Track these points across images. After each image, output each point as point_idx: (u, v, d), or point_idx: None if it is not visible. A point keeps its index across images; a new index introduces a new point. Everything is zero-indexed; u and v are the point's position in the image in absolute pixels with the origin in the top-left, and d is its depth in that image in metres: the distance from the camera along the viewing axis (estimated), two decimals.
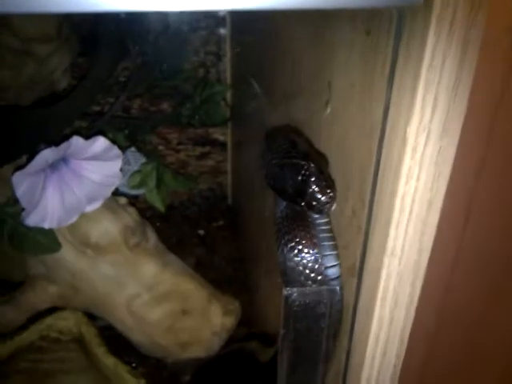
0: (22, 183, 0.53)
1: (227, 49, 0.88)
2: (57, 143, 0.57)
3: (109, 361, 0.67)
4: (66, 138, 0.65)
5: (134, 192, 0.92)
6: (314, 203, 0.31)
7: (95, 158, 0.59)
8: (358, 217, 0.35)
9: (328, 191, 0.31)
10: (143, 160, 0.90)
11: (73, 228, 0.67)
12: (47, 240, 0.64)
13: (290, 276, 0.34)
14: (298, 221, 0.34)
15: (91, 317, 0.73)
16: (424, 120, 0.27)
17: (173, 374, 0.76)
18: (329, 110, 0.32)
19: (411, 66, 0.26)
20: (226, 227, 0.99)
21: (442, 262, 0.33)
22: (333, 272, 0.35)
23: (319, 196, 0.31)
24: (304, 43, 0.41)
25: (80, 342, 0.71)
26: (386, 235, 0.31)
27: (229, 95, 0.91)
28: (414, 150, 0.28)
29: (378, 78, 0.29)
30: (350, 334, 0.37)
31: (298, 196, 0.32)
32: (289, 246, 0.34)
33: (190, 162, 0.97)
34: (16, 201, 0.61)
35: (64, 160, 0.59)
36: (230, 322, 0.77)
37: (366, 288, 0.35)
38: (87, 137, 0.58)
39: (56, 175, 0.59)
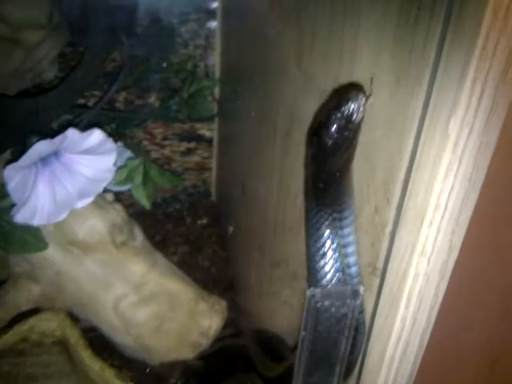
0: (14, 177, 0.51)
1: (217, 43, 0.86)
2: (45, 135, 0.55)
3: (95, 364, 0.65)
4: (54, 130, 0.63)
5: (116, 188, 0.89)
6: (346, 106, 0.30)
7: (89, 151, 0.56)
8: (381, 214, 0.34)
9: (355, 91, 0.31)
10: (127, 155, 0.88)
11: (59, 225, 0.65)
12: (33, 238, 0.61)
13: (314, 275, 0.33)
14: (326, 221, 0.33)
15: (73, 318, 0.71)
16: (469, 114, 0.26)
17: (159, 377, 0.74)
18: (370, 102, 0.31)
19: (462, 51, 0.25)
20: (210, 225, 0.97)
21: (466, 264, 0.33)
22: (355, 270, 0.34)
23: (350, 97, 0.30)
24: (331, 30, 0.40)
25: (63, 344, 0.68)
26: (418, 234, 0.30)
27: (217, 90, 0.89)
28: (456, 145, 0.27)
29: (418, 67, 0.28)
30: (368, 333, 0.37)
31: (333, 118, 0.31)
32: (316, 245, 0.33)
33: (175, 158, 0.95)
34: (1, 197, 0.59)
35: (55, 154, 0.56)
36: (217, 322, 0.76)
37: (389, 288, 0.34)
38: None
39: (47, 170, 0.56)
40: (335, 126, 0.31)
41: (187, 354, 0.74)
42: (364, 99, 0.30)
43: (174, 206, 1.00)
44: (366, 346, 0.37)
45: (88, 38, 0.64)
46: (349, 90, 0.31)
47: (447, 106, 0.27)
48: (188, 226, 0.96)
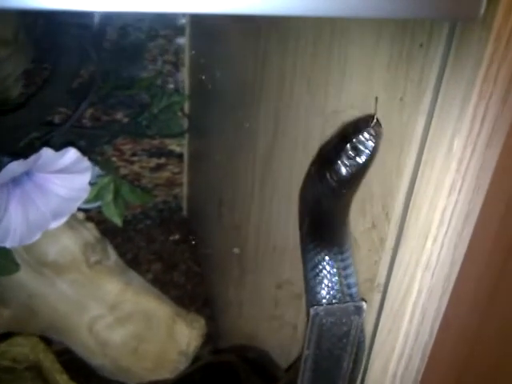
0: None
1: (186, 58, 0.85)
2: (15, 154, 0.53)
3: None
4: (21, 149, 0.61)
5: (84, 206, 0.87)
6: (361, 136, 0.29)
7: (63, 170, 0.54)
8: (379, 229, 0.34)
9: (370, 122, 0.29)
10: (97, 172, 0.86)
11: (29, 246, 0.62)
12: (5, 260, 0.59)
13: (314, 297, 0.33)
14: (325, 248, 0.33)
15: (46, 341, 0.68)
16: (473, 132, 0.27)
17: None
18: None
19: (464, 77, 0.26)
20: (183, 240, 0.95)
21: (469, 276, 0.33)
22: (355, 291, 0.34)
23: (363, 129, 0.29)
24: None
25: (37, 369, 0.66)
26: (422, 249, 0.30)
27: (187, 106, 0.88)
28: (460, 162, 0.27)
29: (419, 89, 0.29)
30: (369, 349, 0.37)
31: (343, 152, 0.30)
32: (315, 270, 0.32)
33: (145, 174, 0.93)
34: None
35: (28, 173, 0.54)
36: (196, 340, 0.75)
37: (391, 303, 0.34)
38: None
39: (19, 190, 0.54)
40: (345, 166, 0.30)
41: (166, 373, 0.72)
42: (377, 139, 0.29)
43: (144, 222, 0.98)
44: (367, 362, 0.37)
45: (56, 55, 0.62)
46: (362, 129, 0.30)
47: (450, 127, 0.27)
48: (160, 242, 0.94)
